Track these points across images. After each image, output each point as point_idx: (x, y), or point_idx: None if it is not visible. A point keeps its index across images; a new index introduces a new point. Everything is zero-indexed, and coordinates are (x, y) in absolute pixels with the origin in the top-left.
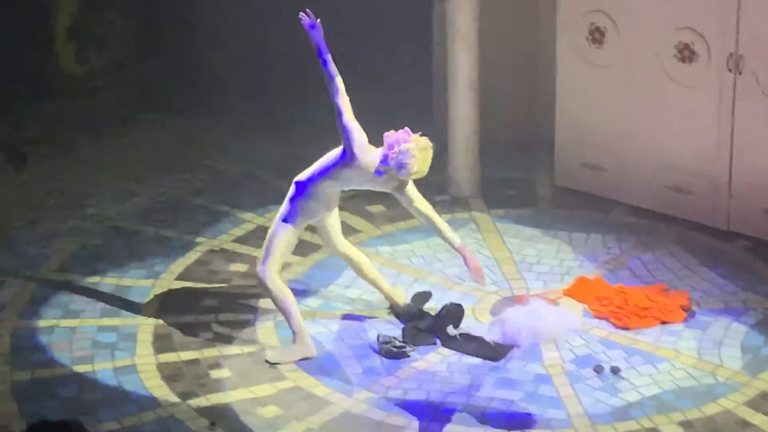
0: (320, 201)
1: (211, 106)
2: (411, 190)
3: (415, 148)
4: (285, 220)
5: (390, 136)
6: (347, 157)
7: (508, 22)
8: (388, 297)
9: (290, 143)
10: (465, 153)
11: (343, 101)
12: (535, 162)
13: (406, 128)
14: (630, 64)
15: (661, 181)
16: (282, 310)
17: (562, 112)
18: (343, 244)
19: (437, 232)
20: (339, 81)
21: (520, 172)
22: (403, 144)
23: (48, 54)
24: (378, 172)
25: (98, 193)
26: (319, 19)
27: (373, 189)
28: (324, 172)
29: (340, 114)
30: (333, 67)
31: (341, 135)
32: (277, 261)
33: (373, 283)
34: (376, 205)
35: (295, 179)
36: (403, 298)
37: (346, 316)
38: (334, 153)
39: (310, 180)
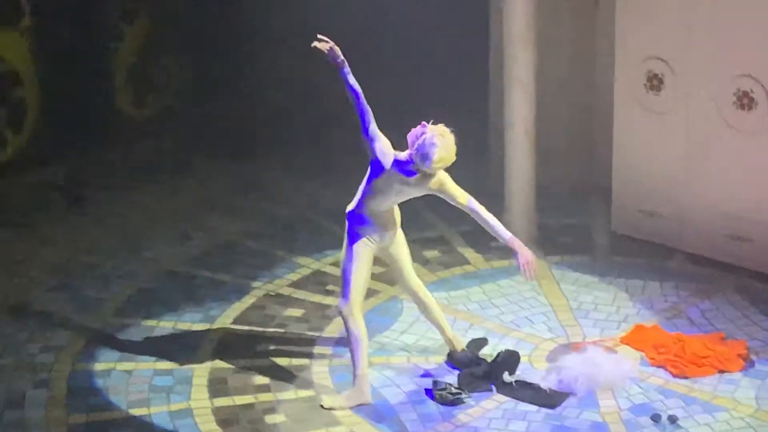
0: (373, 222)
1: (267, 151)
2: (452, 187)
3: (433, 136)
4: (348, 251)
5: (410, 135)
6: (375, 167)
7: (566, 69)
8: (448, 342)
9: (346, 188)
10: (521, 199)
11: (367, 114)
12: (591, 209)
13: (423, 122)
14: (688, 110)
15: (719, 229)
16: (351, 350)
17: (619, 158)
18: (415, 282)
19: (486, 226)
20: (362, 95)
21: (577, 219)
22: (421, 136)
23: (107, 99)
24: (407, 173)
25: (155, 237)
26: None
27: (415, 195)
28: (364, 192)
29: (364, 127)
30: (354, 82)
31: (366, 147)
32: (354, 293)
33: (438, 325)
34: (432, 251)
35: (346, 210)
36: (462, 344)
37: (402, 362)
38: (368, 171)
39: (357, 205)
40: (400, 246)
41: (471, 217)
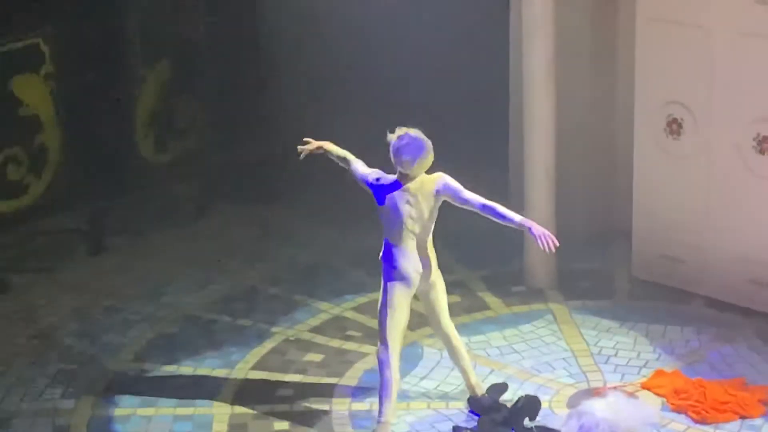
0: (402, 259)
1: (287, 197)
2: (452, 181)
3: (396, 135)
4: (383, 295)
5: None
6: (375, 195)
7: (586, 111)
8: (470, 388)
9: (365, 232)
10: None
11: (356, 165)
12: (612, 253)
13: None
14: (708, 155)
15: (741, 274)
16: (381, 395)
17: (639, 202)
18: (447, 324)
19: (494, 215)
20: (352, 159)
21: (597, 263)
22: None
23: (128, 144)
24: (397, 183)
25: (175, 282)
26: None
27: (425, 209)
28: (384, 230)
29: (355, 173)
30: (349, 160)
31: (362, 186)
32: (390, 338)
33: (464, 371)
34: (452, 295)
35: (380, 257)
36: (483, 391)
37: (422, 408)
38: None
39: (384, 245)
40: (439, 292)
41: (490, 261)
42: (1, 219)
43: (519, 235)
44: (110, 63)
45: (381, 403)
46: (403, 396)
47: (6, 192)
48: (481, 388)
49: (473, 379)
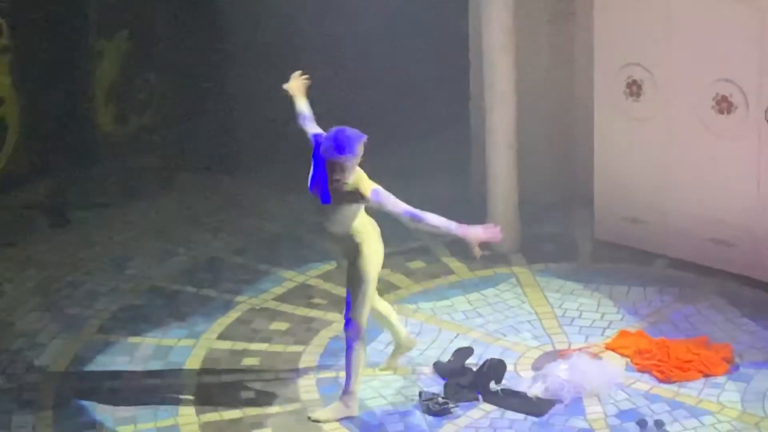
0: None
1: (249, 167)
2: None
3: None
4: (369, 272)
5: None
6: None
7: (545, 79)
8: (401, 344)
9: None
10: (504, 210)
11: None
12: (574, 217)
13: None
14: (668, 116)
15: (701, 234)
16: (350, 366)
17: (600, 165)
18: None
19: (426, 227)
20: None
21: (560, 227)
22: None
23: (88, 117)
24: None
25: (138, 254)
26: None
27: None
28: None
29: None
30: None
31: None
32: (366, 314)
33: (392, 326)
34: (416, 261)
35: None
36: (415, 342)
37: (388, 374)
38: None
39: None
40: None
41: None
42: None
43: (482, 202)
44: (68, 35)
45: (349, 374)
46: (369, 363)
47: None
48: (413, 341)
49: (403, 334)
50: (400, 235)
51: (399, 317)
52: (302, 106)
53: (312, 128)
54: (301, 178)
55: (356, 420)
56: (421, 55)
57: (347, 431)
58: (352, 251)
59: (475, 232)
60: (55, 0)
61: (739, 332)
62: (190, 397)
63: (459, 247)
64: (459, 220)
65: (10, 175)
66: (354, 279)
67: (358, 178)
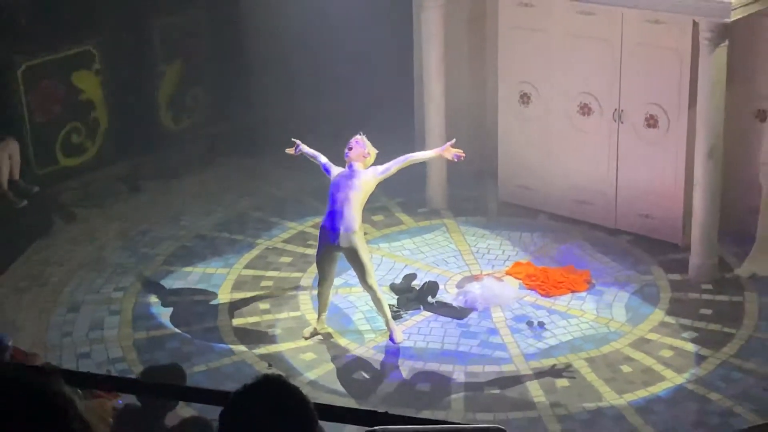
0: None
1: (265, 152)
2: (375, 169)
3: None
4: (369, 260)
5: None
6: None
7: (466, 89)
8: (319, 322)
9: (321, 175)
10: (438, 178)
11: (321, 159)
12: (485, 185)
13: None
14: (548, 117)
15: (570, 196)
16: (378, 305)
17: (502, 151)
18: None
19: (418, 161)
20: (323, 159)
21: (476, 192)
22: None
23: (155, 118)
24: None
25: (189, 212)
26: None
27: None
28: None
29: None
30: (320, 159)
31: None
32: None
33: (325, 302)
34: (377, 215)
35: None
36: (323, 324)
37: (360, 291)
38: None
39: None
40: None
41: (403, 191)
42: (68, 171)
43: (423, 173)
44: (141, 61)
45: (383, 311)
46: (347, 284)
47: (71, 152)
48: (323, 324)
49: (323, 317)
50: (369, 198)
51: (372, 258)
52: (309, 150)
53: (322, 159)
54: (301, 159)
55: (337, 323)
56: (375, 75)
57: (331, 329)
58: (352, 248)
59: (447, 150)
60: (131, 36)
61: (595, 263)
62: (225, 308)
63: (407, 205)
64: (406, 185)
65: (101, 157)
66: (359, 268)
67: (367, 163)
